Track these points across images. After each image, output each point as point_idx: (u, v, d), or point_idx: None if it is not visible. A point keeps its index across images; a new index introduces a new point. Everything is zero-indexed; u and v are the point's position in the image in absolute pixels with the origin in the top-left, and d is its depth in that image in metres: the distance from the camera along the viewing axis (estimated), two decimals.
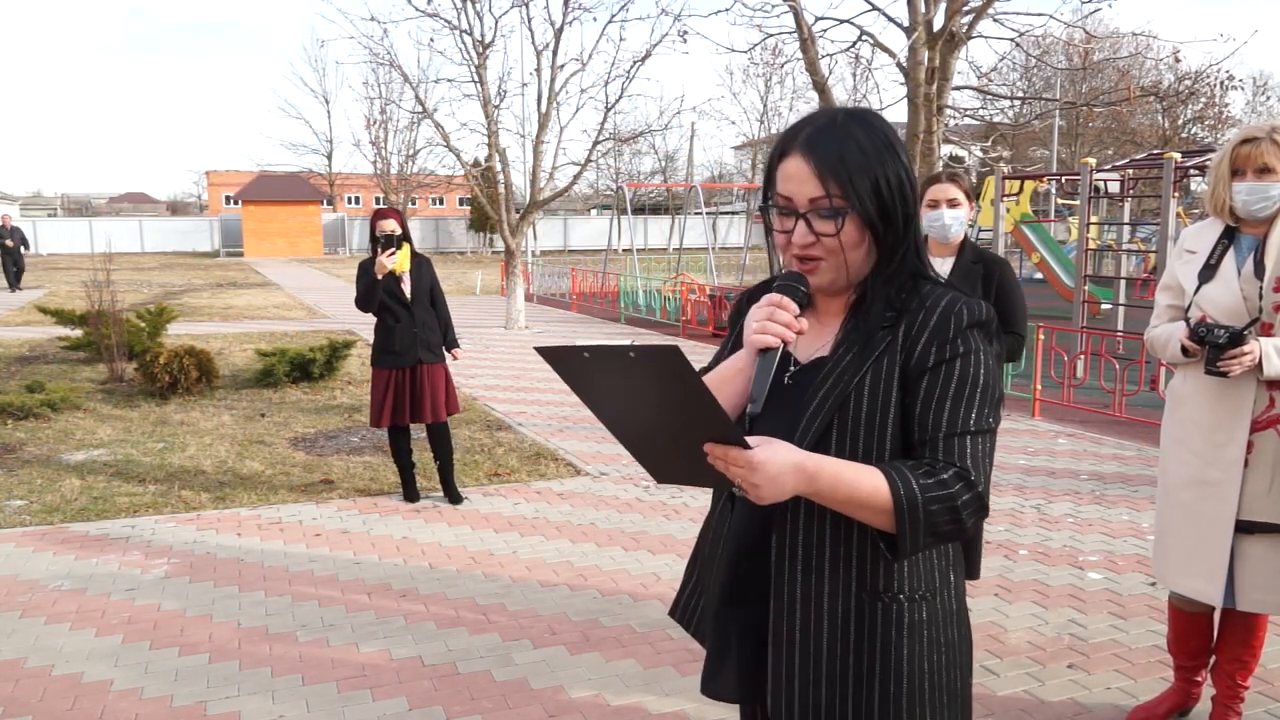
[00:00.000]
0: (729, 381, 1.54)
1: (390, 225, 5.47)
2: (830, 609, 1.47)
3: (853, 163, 1.43)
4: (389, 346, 5.56)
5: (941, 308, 1.45)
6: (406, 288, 5.59)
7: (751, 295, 1.67)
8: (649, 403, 1.30)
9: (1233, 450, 2.84)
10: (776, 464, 1.30)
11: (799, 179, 1.44)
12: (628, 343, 1.20)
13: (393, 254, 5.44)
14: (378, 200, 53.43)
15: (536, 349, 1.28)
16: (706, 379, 1.59)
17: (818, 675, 1.48)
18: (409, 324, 5.56)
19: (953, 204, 3.50)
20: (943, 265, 3.56)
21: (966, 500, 1.38)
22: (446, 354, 5.79)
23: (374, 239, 5.47)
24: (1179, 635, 3.17)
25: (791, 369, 1.54)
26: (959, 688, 1.53)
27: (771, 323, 1.44)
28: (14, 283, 22.15)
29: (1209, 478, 2.90)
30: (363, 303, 5.58)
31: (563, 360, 1.27)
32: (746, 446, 1.29)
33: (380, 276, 5.45)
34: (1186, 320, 2.92)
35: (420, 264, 5.69)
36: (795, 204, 1.45)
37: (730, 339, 1.69)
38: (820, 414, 1.46)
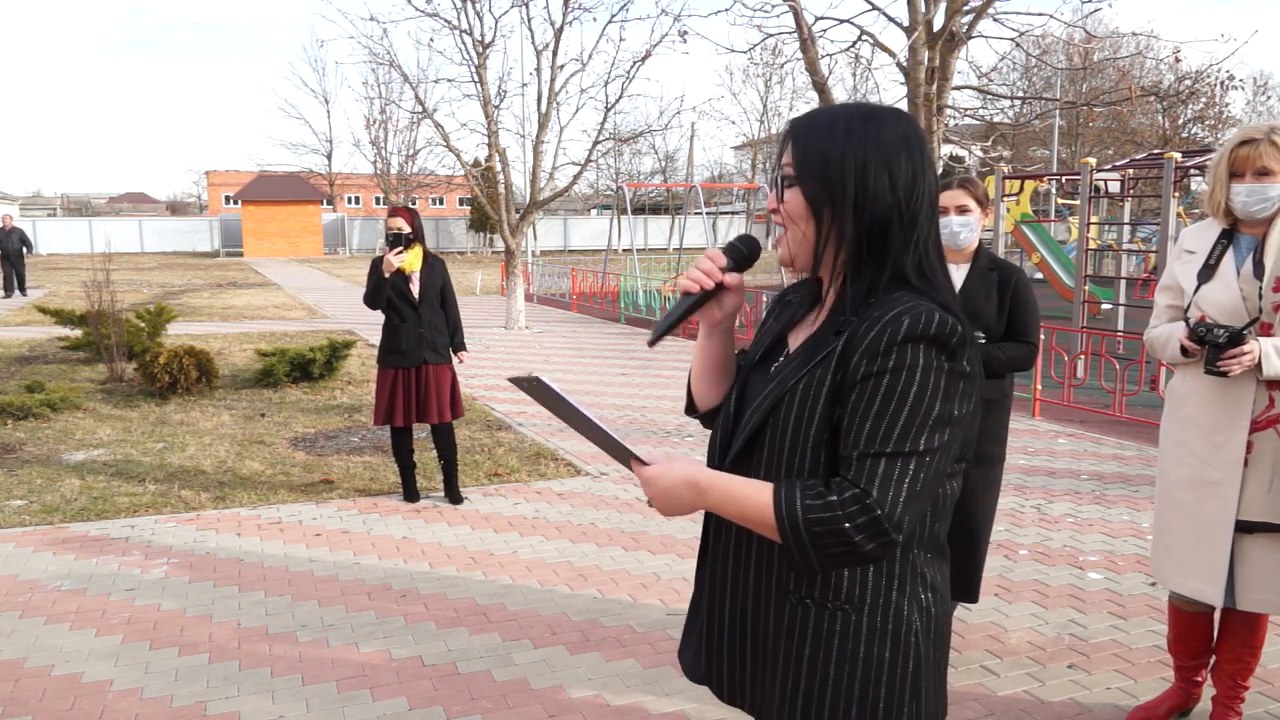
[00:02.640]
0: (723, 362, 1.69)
1: (399, 223, 5.48)
2: (755, 599, 1.54)
3: (815, 138, 1.42)
4: (395, 346, 5.56)
5: (887, 318, 1.36)
6: (415, 288, 5.59)
7: (783, 294, 1.71)
8: (575, 425, 1.49)
9: (1232, 450, 2.84)
10: (668, 479, 1.41)
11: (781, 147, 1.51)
12: (526, 373, 1.39)
13: (400, 252, 5.45)
14: (378, 200, 53.47)
15: (510, 379, 1.47)
16: (698, 360, 1.70)
17: (742, 655, 1.58)
18: (415, 324, 5.56)
19: (962, 210, 3.48)
20: (957, 272, 3.53)
21: (860, 524, 1.31)
22: (453, 356, 5.80)
23: (388, 236, 5.50)
24: (1179, 635, 3.17)
25: (780, 359, 1.57)
26: (881, 709, 1.46)
27: (696, 269, 1.53)
28: (11, 288, 21.19)
29: (1209, 478, 2.89)
30: (370, 300, 5.59)
31: (521, 386, 1.45)
32: (643, 463, 1.43)
33: (387, 274, 5.46)
34: (1186, 320, 2.92)
35: (432, 265, 5.69)
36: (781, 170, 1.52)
37: (763, 329, 1.70)
38: (758, 412, 1.49)
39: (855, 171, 1.39)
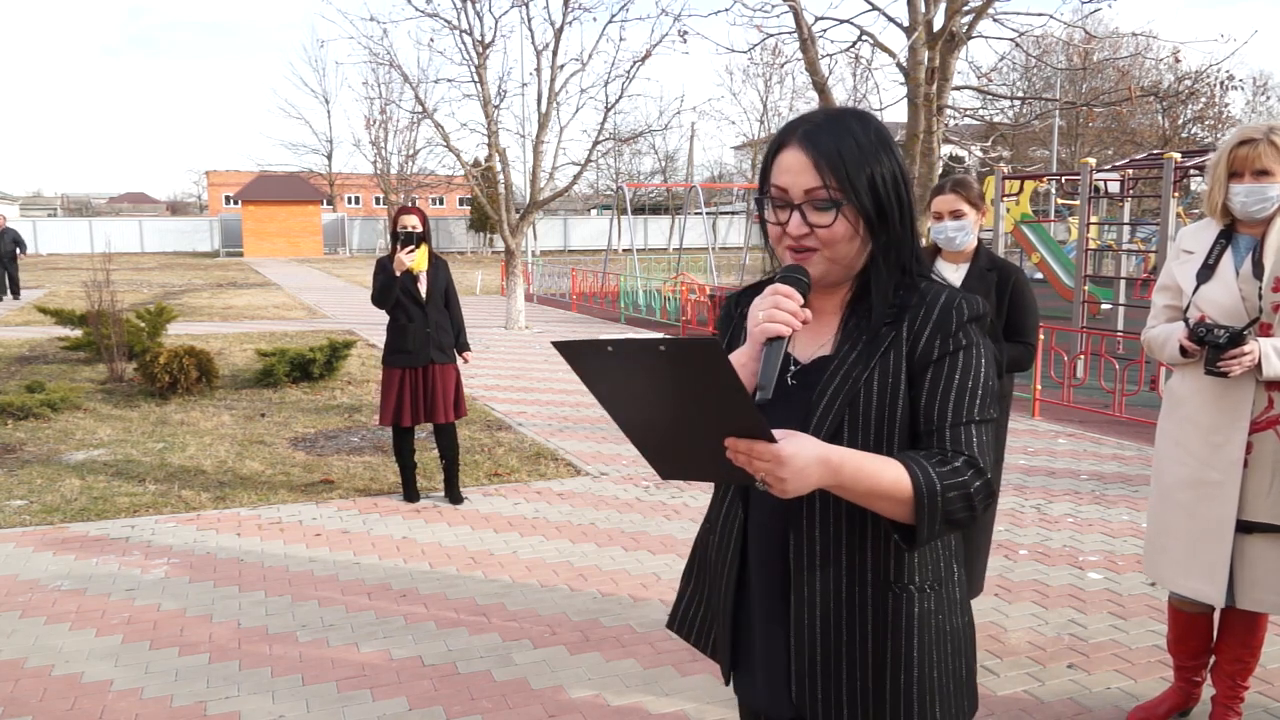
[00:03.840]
0: None
1: (412, 221, 5.49)
2: (849, 600, 1.51)
3: (850, 156, 1.45)
4: (402, 346, 5.57)
5: (942, 303, 1.49)
6: (422, 287, 5.60)
7: (739, 298, 1.68)
8: (671, 398, 1.28)
9: (1232, 451, 2.84)
10: (803, 458, 1.30)
11: (796, 170, 1.45)
12: (657, 336, 1.19)
13: (411, 251, 5.45)
14: (378, 200, 53.43)
15: (554, 344, 1.26)
16: None
17: (839, 665, 1.52)
18: (422, 324, 5.57)
19: (956, 215, 3.50)
20: (956, 272, 3.55)
21: (978, 487, 1.41)
22: (457, 356, 5.80)
23: (395, 235, 5.49)
24: (1179, 635, 3.17)
25: (793, 369, 1.55)
26: (965, 675, 1.57)
27: (778, 310, 1.44)
28: (4, 289, 20.55)
29: (1208, 478, 2.89)
30: (379, 299, 5.59)
31: (581, 354, 1.25)
32: (774, 440, 1.29)
33: (399, 273, 5.46)
34: (1185, 320, 2.92)
35: (437, 265, 5.70)
36: (790, 195, 1.46)
37: (723, 342, 1.68)
38: (832, 411, 1.48)
39: (892, 184, 1.48)
